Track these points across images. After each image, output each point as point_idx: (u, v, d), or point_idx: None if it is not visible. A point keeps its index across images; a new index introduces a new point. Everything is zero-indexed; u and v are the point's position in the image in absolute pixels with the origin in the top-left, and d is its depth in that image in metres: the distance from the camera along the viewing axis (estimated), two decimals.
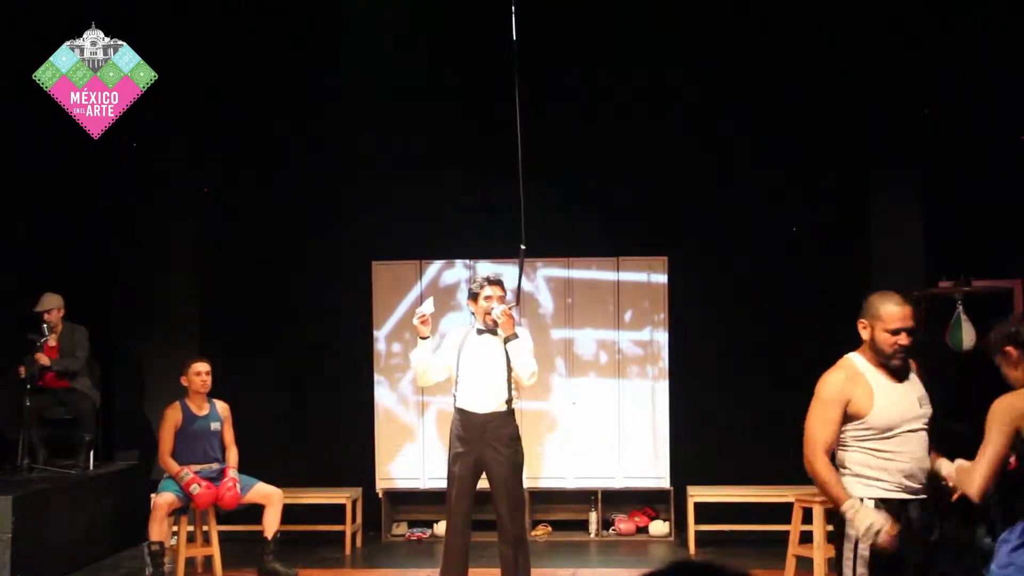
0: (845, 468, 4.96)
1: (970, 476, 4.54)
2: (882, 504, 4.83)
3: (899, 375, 4.92)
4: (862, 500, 4.86)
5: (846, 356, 5.02)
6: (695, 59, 9.84)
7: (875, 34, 9.64)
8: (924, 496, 4.88)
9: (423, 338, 7.15)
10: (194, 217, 10.61)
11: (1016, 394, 4.52)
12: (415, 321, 7.17)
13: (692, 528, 9.45)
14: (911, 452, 4.83)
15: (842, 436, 4.93)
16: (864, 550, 4.78)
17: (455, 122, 10.14)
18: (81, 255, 10.28)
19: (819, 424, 4.89)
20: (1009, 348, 4.59)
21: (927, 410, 4.92)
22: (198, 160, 10.59)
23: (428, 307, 7.19)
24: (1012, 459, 4.55)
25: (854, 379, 4.91)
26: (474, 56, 9.84)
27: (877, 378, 4.91)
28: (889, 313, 4.87)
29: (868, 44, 9.72)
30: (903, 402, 4.88)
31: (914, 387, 4.95)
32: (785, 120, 10.01)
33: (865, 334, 4.95)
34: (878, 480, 4.87)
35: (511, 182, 8.09)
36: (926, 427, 4.91)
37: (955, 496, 4.83)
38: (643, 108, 10.05)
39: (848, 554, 4.85)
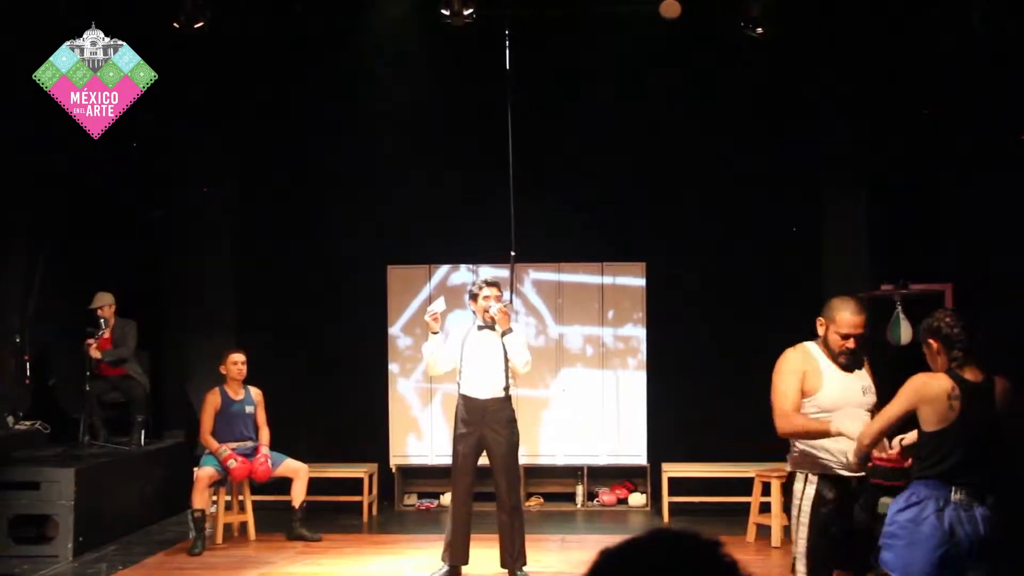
0: (795, 443, 4.99)
1: (865, 429, 4.59)
2: (825, 479, 4.87)
3: (847, 367, 4.94)
4: (806, 476, 4.92)
5: (803, 343, 5.02)
6: (671, 90, 9.84)
7: (825, 60, 9.65)
8: (862, 474, 4.90)
9: (434, 333, 7.18)
10: (232, 226, 10.62)
11: (931, 375, 4.51)
12: (427, 318, 7.21)
13: (666, 500, 9.48)
14: (851, 434, 4.77)
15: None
16: (805, 515, 4.87)
17: (462, 146, 10.13)
18: (136, 260, 10.22)
19: (782, 394, 4.88)
20: (931, 340, 4.57)
21: (871, 399, 4.94)
22: (235, 175, 10.64)
23: (439, 305, 7.18)
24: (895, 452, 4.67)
25: (808, 359, 4.93)
26: (473, 84, 9.89)
27: (827, 365, 4.92)
28: (843, 319, 4.88)
29: (820, 69, 9.71)
30: (848, 388, 4.89)
31: (860, 378, 4.95)
32: (748, 143, 10.01)
33: (821, 331, 4.96)
34: (820, 457, 4.90)
35: (508, 197, 8.24)
36: (868, 414, 4.89)
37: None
38: (625, 133, 10.04)
39: (794, 521, 4.93)
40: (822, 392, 4.90)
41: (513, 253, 8.01)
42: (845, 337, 4.89)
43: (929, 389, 4.45)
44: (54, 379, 9.35)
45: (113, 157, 9.55)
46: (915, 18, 8.81)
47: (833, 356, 4.93)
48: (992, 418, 4.47)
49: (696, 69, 9.77)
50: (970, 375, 4.49)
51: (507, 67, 8.72)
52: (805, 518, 4.87)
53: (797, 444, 5.02)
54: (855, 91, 9.66)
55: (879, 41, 9.24)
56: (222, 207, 10.61)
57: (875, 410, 4.92)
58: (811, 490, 4.89)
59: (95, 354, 9.00)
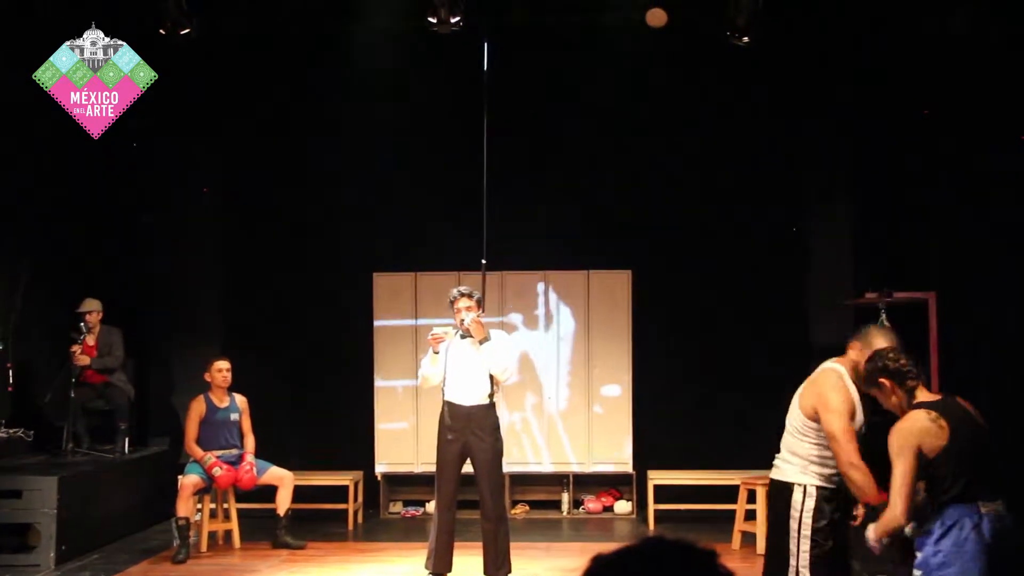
0: (798, 456, 4.94)
1: (892, 504, 4.46)
2: (824, 491, 4.86)
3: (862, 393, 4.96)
4: (804, 488, 4.88)
5: (833, 368, 4.98)
6: (654, 101, 9.88)
7: (810, 67, 9.70)
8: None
9: (435, 352, 7.17)
10: (217, 234, 10.60)
11: (905, 419, 4.49)
12: (428, 337, 7.22)
13: (652, 507, 9.45)
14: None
15: (809, 429, 4.93)
16: (807, 528, 4.84)
17: (449, 153, 10.11)
18: (121, 267, 10.20)
19: (844, 433, 4.77)
20: (883, 380, 4.58)
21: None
22: (220, 183, 10.64)
23: (442, 329, 7.23)
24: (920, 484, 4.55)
25: (849, 386, 4.92)
26: (460, 92, 9.89)
27: (852, 386, 4.93)
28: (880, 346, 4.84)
29: (805, 77, 9.76)
30: (861, 409, 4.94)
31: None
32: (732, 153, 10.06)
33: (854, 354, 4.93)
34: (822, 470, 4.89)
35: (490, 207, 8.23)
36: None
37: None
38: (612, 141, 10.08)
39: (794, 534, 4.88)
40: (856, 416, 4.91)
41: (484, 262, 8.02)
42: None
43: (915, 426, 4.45)
44: (49, 395, 9.17)
45: (98, 164, 9.49)
46: (900, 23, 8.82)
47: (857, 380, 4.90)
48: (975, 423, 4.50)
49: (682, 77, 9.79)
50: (926, 396, 4.55)
51: (489, 75, 8.69)
52: (807, 531, 4.85)
53: (798, 455, 4.97)
54: (840, 99, 9.68)
55: (864, 48, 9.25)
56: (207, 215, 10.59)
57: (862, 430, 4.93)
58: (811, 503, 4.87)
59: (82, 360, 8.94)
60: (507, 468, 7.93)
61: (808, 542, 4.83)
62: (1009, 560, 4.36)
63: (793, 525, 4.89)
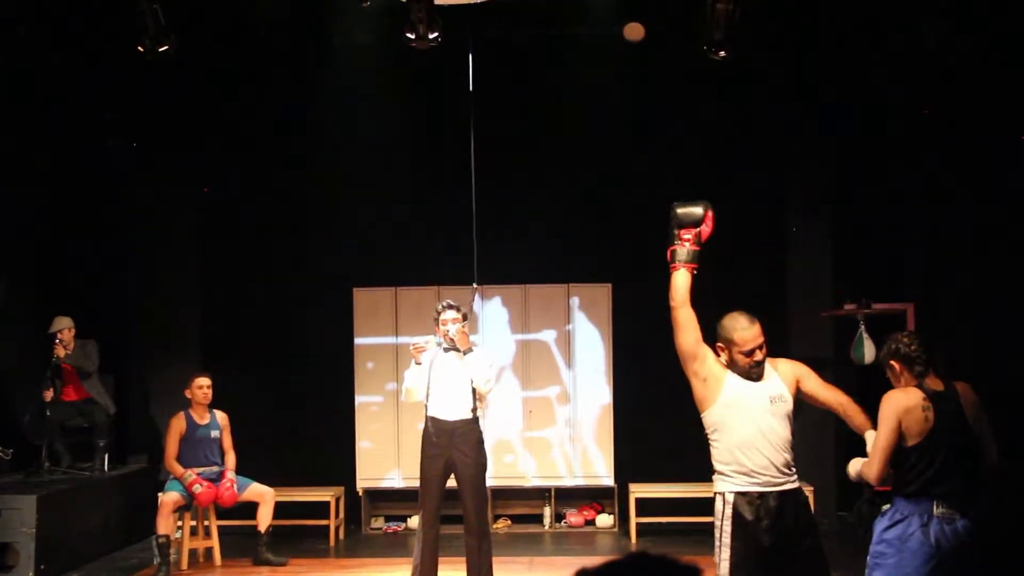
0: (715, 464, 4.79)
1: (869, 464, 4.56)
2: (741, 496, 4.68)
3: (754, 378, 4.77)
4: (723, 496, 4.72)
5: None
6: (632, 114, 9.93)
7: (789, 80, 9.78)
8: (784, 488, 4.69)
9: (417, 364, 7.18)
10: (198, 249, 10.58)
11: (901, 389, 4.60)
12: (411, 348, 7.22)
13: (634, 520, 9.47)
14: (762, 448, 4.66)
15: (709, 435, 4.82)
16: (727, 536, 4.66)
17: (428, 168, 10.15)
18: (102, 283, 10.19)
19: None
20: (892, 362, 4.68)
21: (782, 407, 4.72)
22: (200, 198, 10.62)
23: (423, 339, 7.24)
24: None
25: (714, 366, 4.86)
26: (440, 107, 9.93)
27: (730, 378, 4.79)
28: (742, 338, 4.77)
29: (783, 90, 9.83)
30: (750, 400, 4.73)
31: (769, 387, 4.75)
32: (713, 164, 10.08)
33: (724, 357, 4.83)
34: (733, 476, 4.72)
35: (471, 224, 8.24)
36: (783, 422, 4.70)
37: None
38: (591, 154, 10.11)
39: (716, 542, 4.73)
40: (714, 407, 4.79)
41: (475, 285, 8.03)
42: (750, 353, 4.75)
43: (906, 400, 4.55)
44: (28, 416, 9.10)
45: (74, 178, 9.45)
46: (879, 36, 8.88)
47: (743, 375, 4.78)
48: (962, 422, 4.55)
49: (660, 90, 9.81)
50: (932, 384, 4.61)
51: (471, 90, 8.72)
52: (727, 538, 4.69)
53: (713, 460, 4.84)
54: (818, 112, 9.73)
55: (842, 61, 9.31)
56: (187, 230, 10.57)
57: (791, 416, 4.77)
58: (729, 511, 4.70)
59: (60, 352, 8.85)
60: (489, 482, 7.90)
61: (728, 550, 4.66)
62: (956, 566, 4.40)
63: (716, 535, 4.75)
